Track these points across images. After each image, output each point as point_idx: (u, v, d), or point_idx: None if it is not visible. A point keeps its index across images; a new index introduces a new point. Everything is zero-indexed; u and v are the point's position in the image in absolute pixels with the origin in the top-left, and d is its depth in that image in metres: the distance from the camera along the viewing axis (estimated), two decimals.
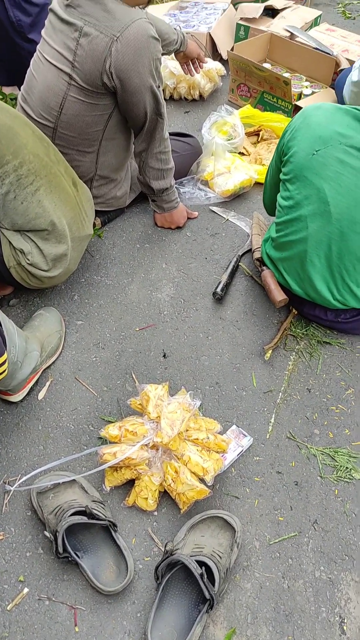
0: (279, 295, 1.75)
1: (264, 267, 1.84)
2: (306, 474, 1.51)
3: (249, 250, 2.11)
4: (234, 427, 1.57)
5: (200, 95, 2.94)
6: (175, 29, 2.31)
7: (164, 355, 1.77)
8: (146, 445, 1.40)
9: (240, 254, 2.09)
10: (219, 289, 1.92)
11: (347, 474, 1.51)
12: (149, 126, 1.85)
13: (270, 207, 1.91)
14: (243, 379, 1.71)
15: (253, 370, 1.74)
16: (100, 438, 1.55)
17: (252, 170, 2.38)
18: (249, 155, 2.56)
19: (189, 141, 2.34)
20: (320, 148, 1.48)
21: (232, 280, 2.00)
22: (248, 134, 2.66)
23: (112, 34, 1.61)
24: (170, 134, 2.36)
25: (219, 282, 1.95)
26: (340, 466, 1.53)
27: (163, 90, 2.90)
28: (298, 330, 1.84)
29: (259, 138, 2.65)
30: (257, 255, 1.93)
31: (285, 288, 1.78)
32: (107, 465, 1.36)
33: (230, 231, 2.22)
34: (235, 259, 2.05)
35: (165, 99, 2.93)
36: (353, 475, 1.51)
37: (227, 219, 2.27)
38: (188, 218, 2.24)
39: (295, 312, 1.86)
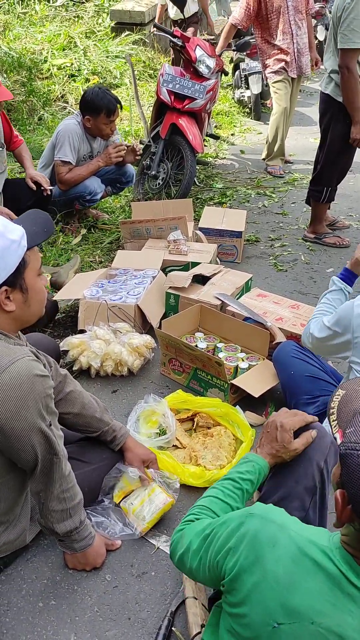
0: None
1: None
2: None
3: (184, 602, 1.62)
4: None
5: (130, 371, 2.69)
6: (106, 411, 1.90)
7: None
8: None
9: (174, 610, 1.60)
10: None
11: None
12: (43, 468, 1.49)
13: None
14: None
15: None
16: None
17: (171, 490, 1.90)
18: (183, 449, 2.21)
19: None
20: (284, 622, 1.02)
21: None
22: (182, 420, 2.35)
23: None
24: None
25: None
26: None
27: (88, 369, 2.64)
28: None
29: (194, 425, 2.34)
30: None
31: None
32: None
33: (161, 567, 1.76)
34: (166, 622, 1.56)
35: (90, 376, 2.66)
36: None
37: (158, 547, 1.82)
38: (108, 550, 1.78)
39: None
